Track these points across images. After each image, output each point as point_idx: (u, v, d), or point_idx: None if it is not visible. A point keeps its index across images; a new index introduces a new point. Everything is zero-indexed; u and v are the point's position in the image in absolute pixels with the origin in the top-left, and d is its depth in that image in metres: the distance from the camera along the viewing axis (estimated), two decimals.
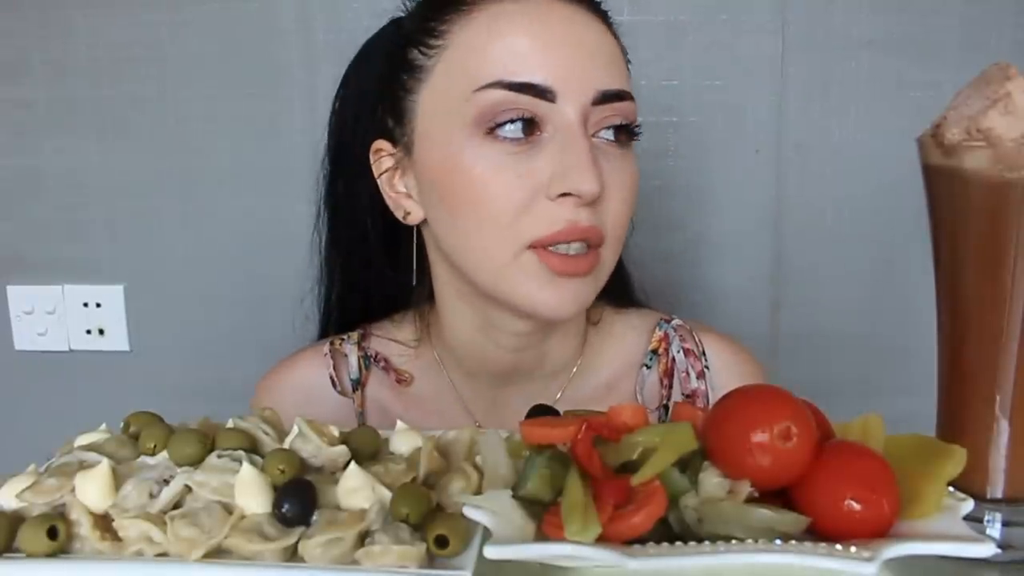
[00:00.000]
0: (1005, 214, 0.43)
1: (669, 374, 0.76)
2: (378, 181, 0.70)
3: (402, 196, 0.70)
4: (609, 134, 0.65)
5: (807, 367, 1.11)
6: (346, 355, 0.77)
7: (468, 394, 0.75)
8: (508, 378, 0.74)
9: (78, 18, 1.11)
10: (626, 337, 0.78)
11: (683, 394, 0.75)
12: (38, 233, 1.17)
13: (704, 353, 0.76)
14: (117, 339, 1.18)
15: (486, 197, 0.62)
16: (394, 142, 0.69)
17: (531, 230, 0.62)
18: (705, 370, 0.76)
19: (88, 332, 1.19)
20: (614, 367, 0.77)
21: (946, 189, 0.45)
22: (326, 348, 0.77)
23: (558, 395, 0.74)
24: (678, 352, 0.76)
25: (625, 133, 0.66)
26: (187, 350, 1.17)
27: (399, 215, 0.70)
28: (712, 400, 0.73)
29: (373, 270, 0.76)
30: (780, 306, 1.12)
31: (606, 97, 0.63)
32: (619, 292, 0.78)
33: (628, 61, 0.69)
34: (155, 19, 1.10)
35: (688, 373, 0.76)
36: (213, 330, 1.16)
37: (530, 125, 0.62)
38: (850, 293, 1.10)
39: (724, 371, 0.76)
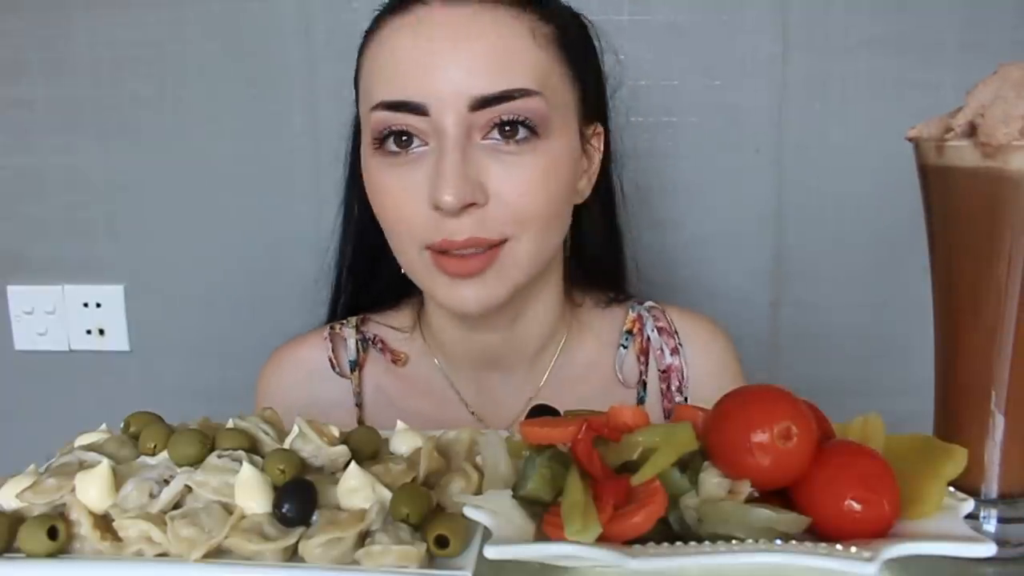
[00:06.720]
0: (1016, 211, 0.43)
1: (645, 352, 0.79)
2: None
3: None
4: (498, 134, 0.65)
5: (807, 367, 1.11)
6: (344, 339, 0.81)
7: (456, 379, 0.79)
8: (491, 363, 0.77)
9: (78, 18, 1.11)
10: (604, 320, 0.81)
11: (659, 370, 0.79)
12: (38, 233, 1.17)
13: (676, 331, 0.80)
14: (117, 339, 1.18)
15: (384, 205, 0.68)
16: None
17: (422, 235, 0.66)
18: (679, 347, 0.80)
19: (88, 332, 1.19)
20: (594, 349, 0.80)
21: (957, 188, 0.44)
22: (326, 332, 0.81)
23: (544, 377, 0.77)
24: (652, 331, 0.80)
25: (522, 129, 0.65)
26: (187, 350, 1.17)
27: None
28: (687, 374, 0.79)
29: (379, 258, 0.79)
30: (780, 305, 1.12)
31: (487, 101, 0.64)
32: (613, 285, 0.82)
33: (566, 39, 0.68)
34: (156, 18, 1.10)
35: (662, 350, 0.79)
36: (213, 330, 1.16)
37: (411, 139, 0.66)
38: (850, 293, 1.10)
39: (695, 345, 0.80)
